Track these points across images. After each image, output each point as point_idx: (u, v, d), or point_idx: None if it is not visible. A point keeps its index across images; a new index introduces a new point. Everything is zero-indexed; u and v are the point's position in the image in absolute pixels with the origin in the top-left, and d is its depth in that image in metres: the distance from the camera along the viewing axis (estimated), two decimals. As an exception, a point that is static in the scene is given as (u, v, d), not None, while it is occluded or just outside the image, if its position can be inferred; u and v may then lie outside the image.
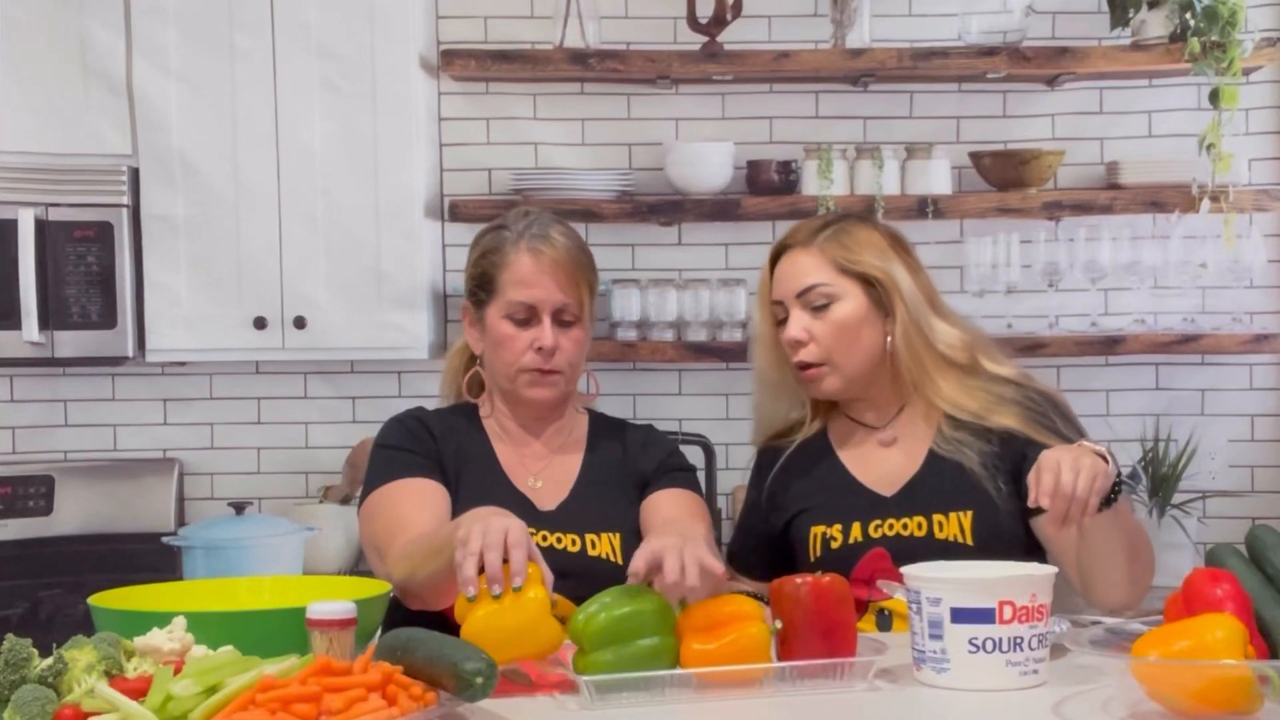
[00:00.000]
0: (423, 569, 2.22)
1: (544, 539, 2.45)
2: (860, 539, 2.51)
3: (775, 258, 2.63)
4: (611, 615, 1.99)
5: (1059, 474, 2.14)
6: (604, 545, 2.48)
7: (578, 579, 2.29)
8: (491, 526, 2.03)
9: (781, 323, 2.59)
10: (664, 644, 2.00)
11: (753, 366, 2.72)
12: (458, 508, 2.48)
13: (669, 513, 2.50)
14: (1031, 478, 2.18)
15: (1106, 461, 2.20)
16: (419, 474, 2.49)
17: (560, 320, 2.51)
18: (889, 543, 2.49)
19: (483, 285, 2.55)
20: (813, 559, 2.54)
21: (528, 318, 2.50)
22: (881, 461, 2.59)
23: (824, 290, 2.55)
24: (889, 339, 2.57)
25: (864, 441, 2.63)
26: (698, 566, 2.04)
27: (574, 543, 2.47)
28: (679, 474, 2.60)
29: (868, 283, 2.56)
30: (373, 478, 2.53)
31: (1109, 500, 2.23)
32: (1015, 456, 2.49)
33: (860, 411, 2.64)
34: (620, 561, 2.44)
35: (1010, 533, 2.48)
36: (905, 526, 2.50)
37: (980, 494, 2.49)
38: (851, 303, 2.55)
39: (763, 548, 2.67)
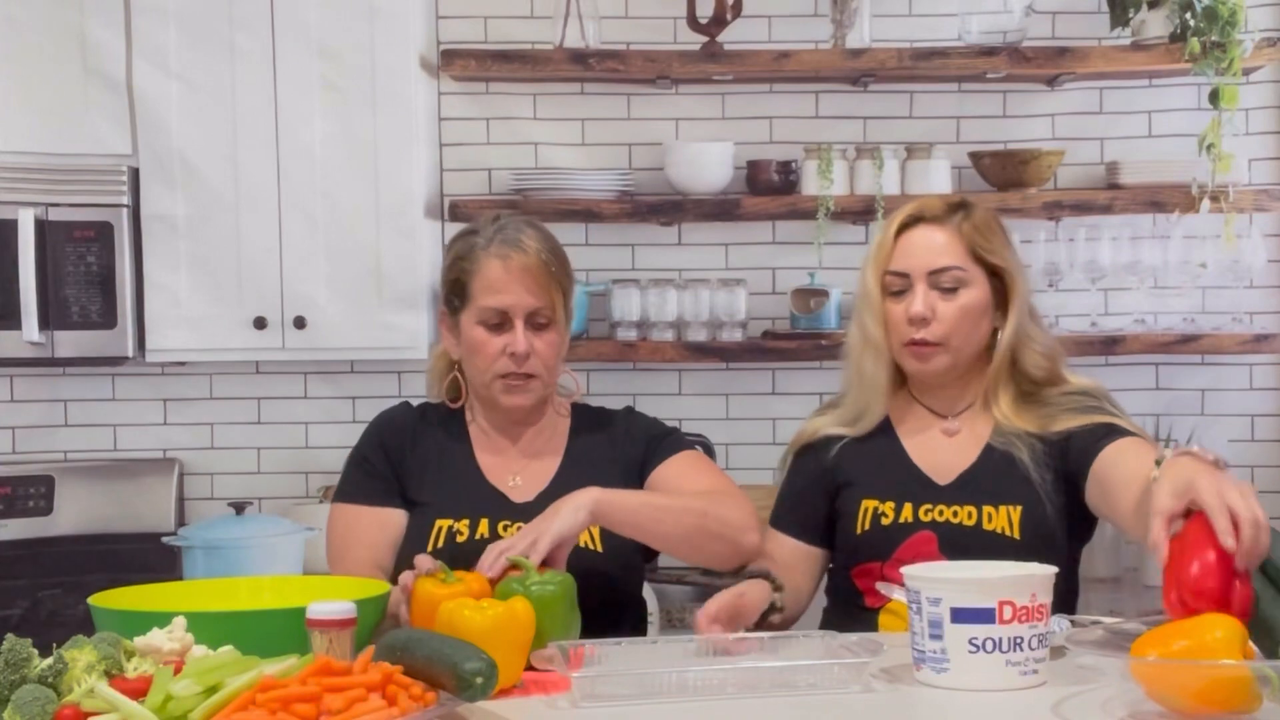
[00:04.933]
0: None
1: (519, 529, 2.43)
2: (910, 519, 2.51)
3: (903, 227, 2.56)
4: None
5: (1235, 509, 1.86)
6: (583, 534, 2.42)
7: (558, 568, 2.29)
8: None
9: (896, 294, 2.55)
10: None
11: (854, 329, 2.62)
12: (435, 503, 2.52)
13: (692, 486, 2.52)
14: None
15: None
16: (375, 502, 2.54)
17: (534, 324, 2.50)
18: (938, 528, 2.49)
19: (456, 292, 2.55)
20: (859, 532, 2.54)
21: (500, 323, 2.50)
22: (940, 451, 2.58)
23: (956, 274, 2.52)
24: (998, 333, 2.55)
25: (927, 427, 2.61)
26: None
27: None
28: (668, 441, 2.62)
29: (993, 274, 2.55)
30: (340, 486, 2.61)
31: None
32: (1070, 454, 2.47)
33: (932, 396, 2.62)
34: (600, 549, 2.46)
35: (1055, 532, 2.48)
36: (955, 514, 2.50)
37: (1029, 490, 2.48)
38: (978, 291, 2.53)
39: (805, 509, 2.64)
